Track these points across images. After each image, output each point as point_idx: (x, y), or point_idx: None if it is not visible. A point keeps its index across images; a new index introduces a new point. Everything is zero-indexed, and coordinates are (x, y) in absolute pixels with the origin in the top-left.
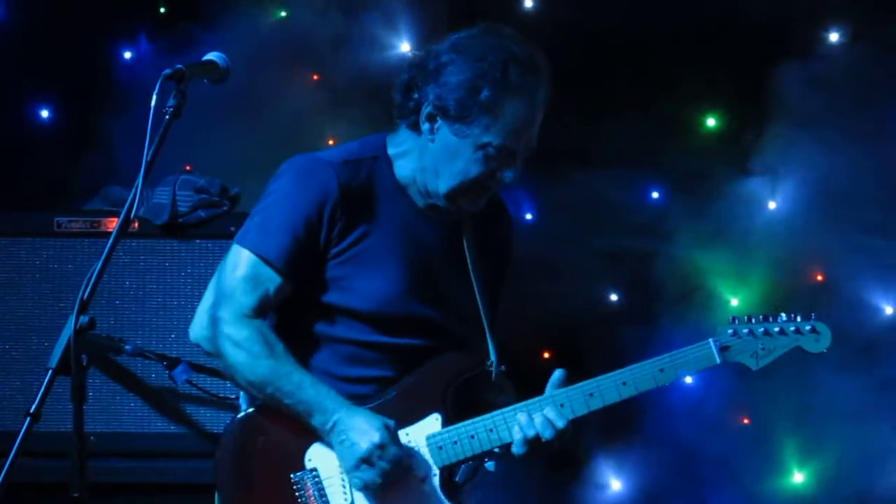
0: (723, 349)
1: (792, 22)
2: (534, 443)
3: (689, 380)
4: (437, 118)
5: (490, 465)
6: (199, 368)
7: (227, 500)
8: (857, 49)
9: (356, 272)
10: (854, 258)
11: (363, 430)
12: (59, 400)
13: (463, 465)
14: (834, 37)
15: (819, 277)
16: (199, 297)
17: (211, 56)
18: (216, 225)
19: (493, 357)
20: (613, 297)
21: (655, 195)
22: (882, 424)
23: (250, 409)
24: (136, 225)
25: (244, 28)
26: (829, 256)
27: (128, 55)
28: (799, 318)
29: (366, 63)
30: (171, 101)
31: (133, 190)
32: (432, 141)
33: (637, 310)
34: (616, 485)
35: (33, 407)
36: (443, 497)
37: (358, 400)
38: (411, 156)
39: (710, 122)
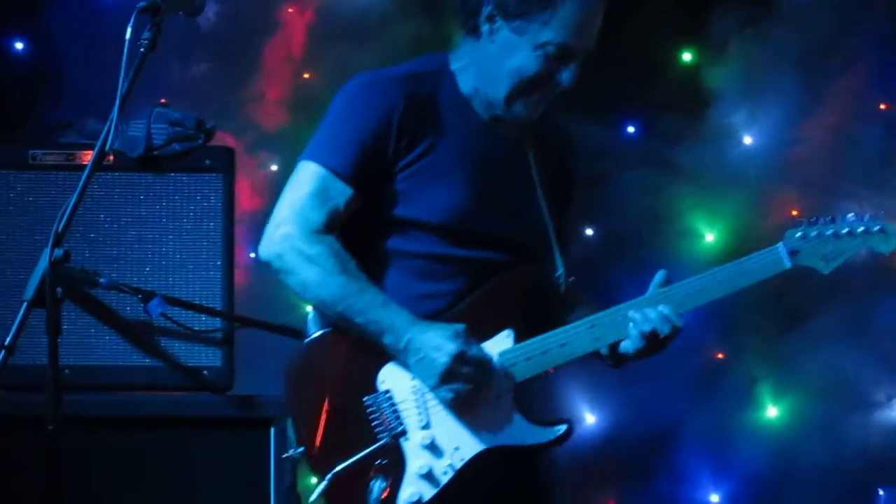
0: (792, 253)
1: None
2: (650, 337)
3: None
4: (497, 17)
5: None
6: (175, 302)
7: (299, 425)
8: None
9: (425, 184)
10: (827, 200)
11: (438, 344)
12: (33, 333)
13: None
14: None
15: (794, 213)
16: (176, 231)
17: None
18: (191, 158)
19: (560, 270)
20: (588, 232)
21: (631, 129)
22: (856, 362)
23: (318, 332)
24: (112, 158)
25: None
26: (804, 192)
27: None
28: (867, 219)
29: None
30: (146, 34)
31: (108, 123)
32: (492, 43)
33: (613, 245)
34: (590, 418)
35: (8, 339)
36: (518, 415)
37: (430, 316)
38: (473, 67)
39: (686, 56)
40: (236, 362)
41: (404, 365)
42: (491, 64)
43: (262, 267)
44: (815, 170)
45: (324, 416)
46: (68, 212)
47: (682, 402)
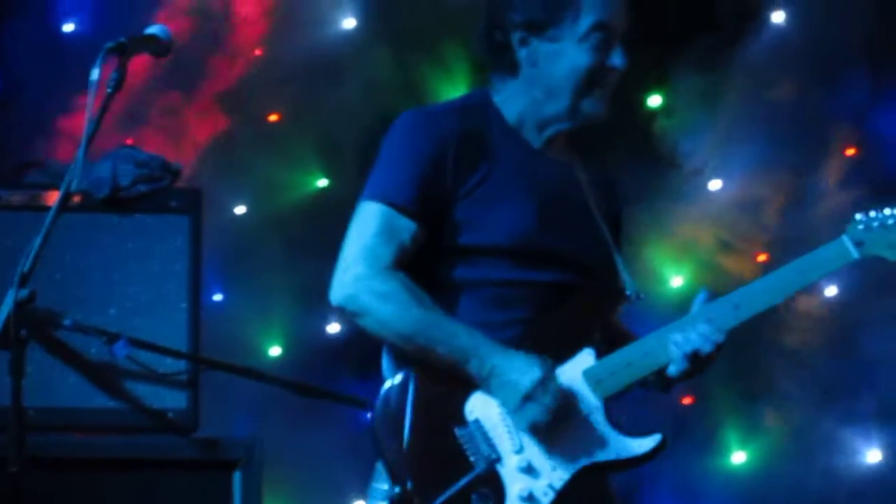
0: (857, 245)
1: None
2: (693, 358)
3: None
4: (530, 39)
5: None
6: (140, 344)
7: (393, 466)
8: (798, 27)
9: (487, 210)
10: (796, 239)
11: (522, 368)
12: None
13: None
14: (777, 16)
15: (761, 257)
16: (141, 272)
17: (153, 30)
18: (157, 199)
19: (630, 287)
20: None
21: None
22: (822, 404)
23: (399, 375)
24: (77, 198)
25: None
26: (771, 236)
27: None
28: None
29: (310, 39)
30: (113, 75)
31: (74, 163)
32: (534, 65)
33: None
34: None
35: None
36: (611, 429)
37: (507, 343)
38: (518, 99)
39: (653, 100)
40: (202, 404)
41: (489, 392)
42: (543, 83)
43: (230, 311)
44: (780, 213)
45: (417, 454)
46: (34, 252)
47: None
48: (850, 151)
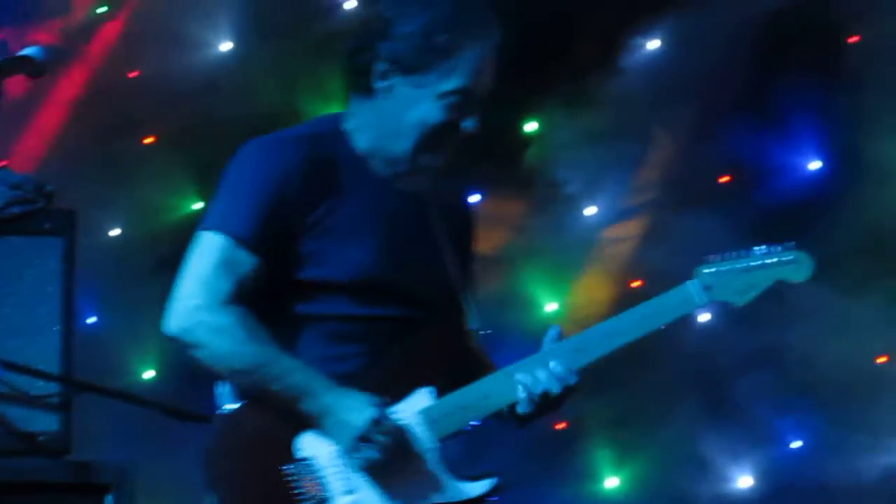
0: (706, 289)
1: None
2: (542, 398)
3: None
4: (392, 74)
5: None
6: (11, 366)
7: (224, 501)
8: (669, 55)
9: (330, 245)
10: (672, 266)
11: (356, 407)
12: None
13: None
14: (652, 44)
15: (634, 283)
16: (14, 294)
17: (28, 51)
18: (31, 221)
19: (473, 324)
20: None
21: (475, 197)
22: (695, 430)
23: (232, 406)
24: None
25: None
26: (645, 264)
27: None
28: (779, 250)
29: (188, 61)
30: None
31: None
32: (389, 100)
33: None
34: None
35: None
36: (444, 471)
37: (343, 379)
38: (369, 127)
39: (529, 126)
40: (75, 428)
41: (322, 430)
42: (391, 121)
43: (104, 333)
44: (654, 241)
45: (247, 490)
46: None
47: (526, 475)
48: (724, 179)
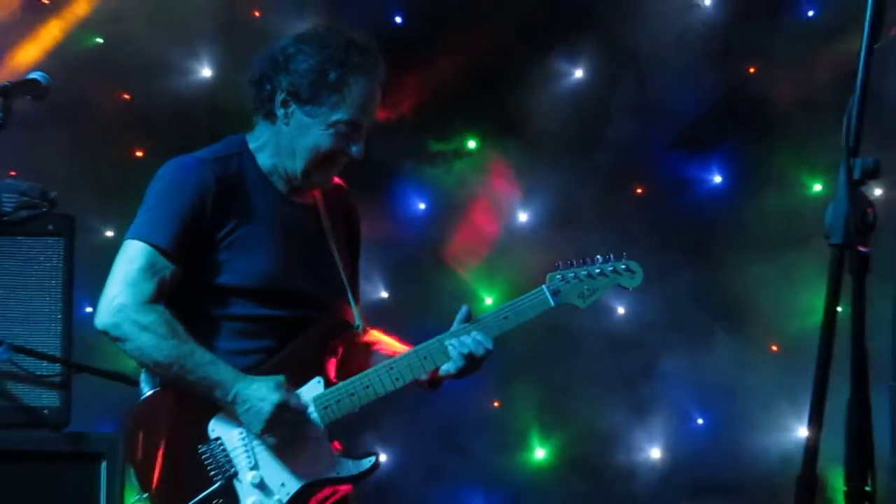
0: (554, 293)
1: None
2: (468, 358)
3: None
4: (291, 103)
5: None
6: (19, 349)
7: (141, 476)
8: (591, 71)
9: (238, 255)
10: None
11: (262, 395)
12: None
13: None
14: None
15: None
16: (21, 287)
17: (34, 75)
18: (36, 224)
19: (358, 321)
20: (384, 294)
21: (422, 206)
22: (616, 407)
23: (153, 391)
24: None
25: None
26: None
27: None
28: (613, 259)
29: (173, 87)
30: None
31: None
32: (287, 125)
33: (408, 305)
34: (382, 457)
35: None
36: (333, 450)
37: (248, 370)
38: (270, 146)
39: (471, 144)
40: (74, 403)
41: (232, 415)
42: (288, 143)
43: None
44: (577, 244)
45: (163, 466)
46: None
47: (464, 447)
48: (640, 190)
